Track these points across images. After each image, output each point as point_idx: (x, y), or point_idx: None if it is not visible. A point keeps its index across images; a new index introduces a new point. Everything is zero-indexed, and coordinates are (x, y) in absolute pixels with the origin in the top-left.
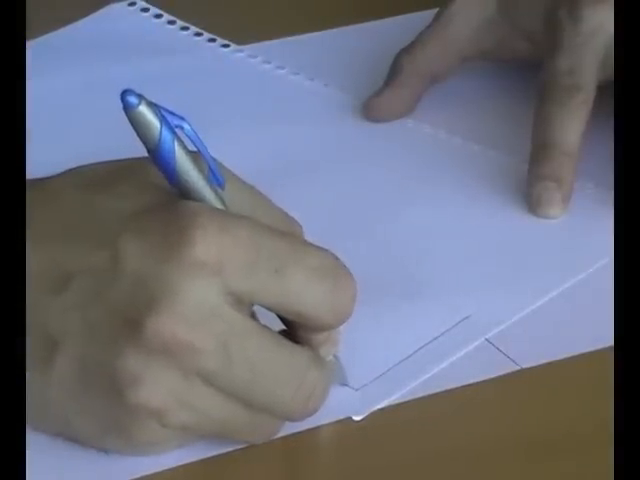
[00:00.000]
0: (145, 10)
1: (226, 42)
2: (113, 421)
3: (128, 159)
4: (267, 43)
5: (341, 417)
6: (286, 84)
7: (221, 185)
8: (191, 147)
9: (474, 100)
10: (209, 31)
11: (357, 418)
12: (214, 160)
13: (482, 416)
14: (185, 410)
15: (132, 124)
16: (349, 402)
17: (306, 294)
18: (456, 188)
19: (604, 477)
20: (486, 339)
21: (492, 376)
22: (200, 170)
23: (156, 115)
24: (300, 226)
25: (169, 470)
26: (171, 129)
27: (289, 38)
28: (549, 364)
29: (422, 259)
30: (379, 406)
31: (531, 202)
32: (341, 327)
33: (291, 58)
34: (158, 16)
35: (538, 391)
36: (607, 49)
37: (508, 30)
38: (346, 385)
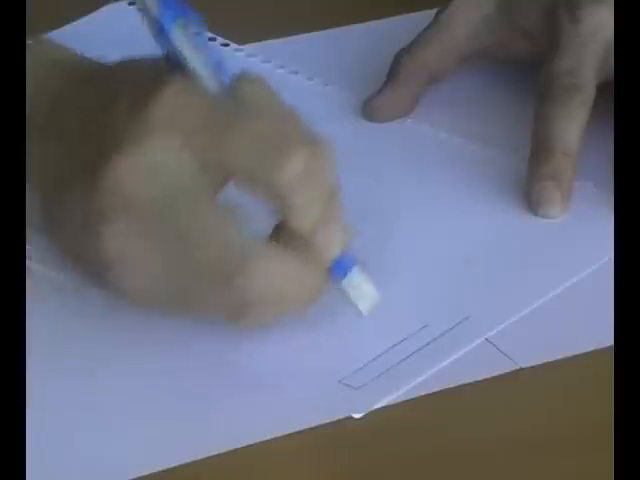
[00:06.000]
0: None
1: (226, 41)
2: (96, 265)
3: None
4: (267, 42)
5: (341, 416)
6: (285, 83)
7: (226, 74)
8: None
9: (474, 100)
10: (209, 30)
11: (357, 416)
12: (218, 52)
13: (482, 416)
14: (139, 260)
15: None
16: (349, 401)
17: (243, 153)
18: (456, 188)
19: (604, 477)
20: (486, 339)
21: (492, 376)
22: (202, 56)
23: None
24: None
25: (169, 470)
26: (173, 11)
27: (289, 37)
28: (549, 364)
29: (422, 259)
30: (379, 405)
31: (531, 202)
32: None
33: (291, 57)
34: None
35: (538, 391)
36: (607, 49)
37: (508, 30)
38: (360, 315)
